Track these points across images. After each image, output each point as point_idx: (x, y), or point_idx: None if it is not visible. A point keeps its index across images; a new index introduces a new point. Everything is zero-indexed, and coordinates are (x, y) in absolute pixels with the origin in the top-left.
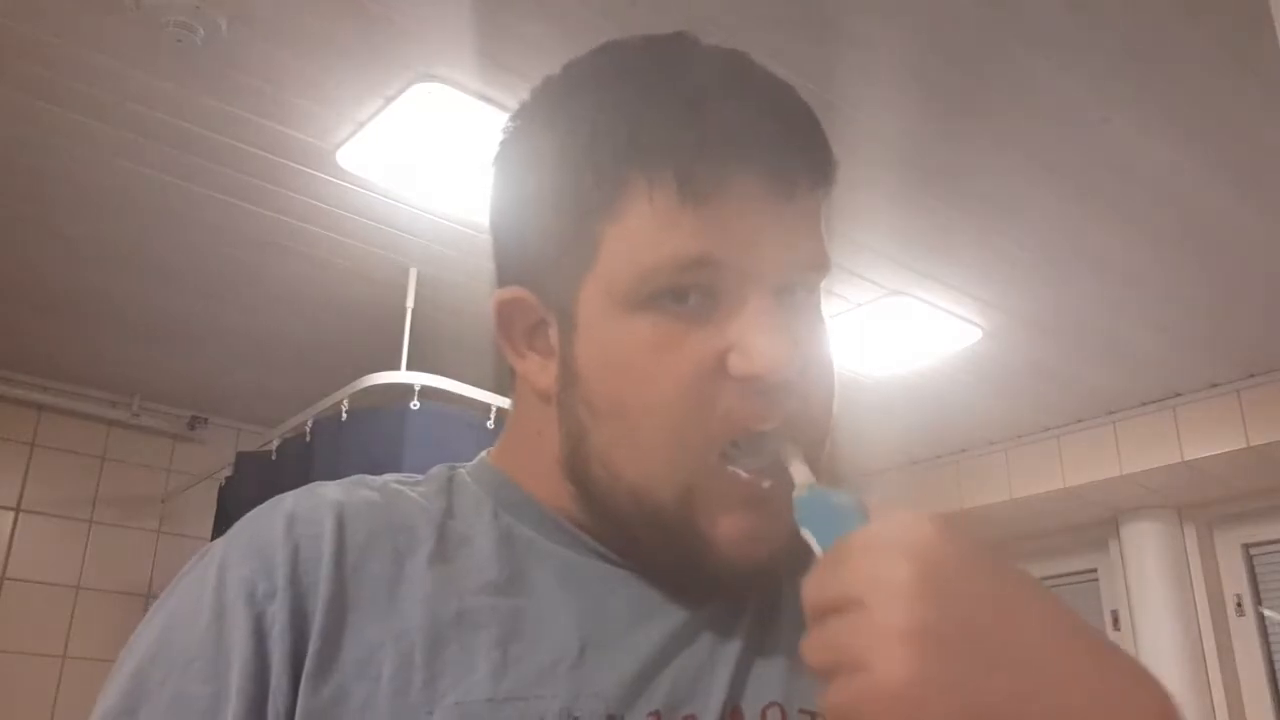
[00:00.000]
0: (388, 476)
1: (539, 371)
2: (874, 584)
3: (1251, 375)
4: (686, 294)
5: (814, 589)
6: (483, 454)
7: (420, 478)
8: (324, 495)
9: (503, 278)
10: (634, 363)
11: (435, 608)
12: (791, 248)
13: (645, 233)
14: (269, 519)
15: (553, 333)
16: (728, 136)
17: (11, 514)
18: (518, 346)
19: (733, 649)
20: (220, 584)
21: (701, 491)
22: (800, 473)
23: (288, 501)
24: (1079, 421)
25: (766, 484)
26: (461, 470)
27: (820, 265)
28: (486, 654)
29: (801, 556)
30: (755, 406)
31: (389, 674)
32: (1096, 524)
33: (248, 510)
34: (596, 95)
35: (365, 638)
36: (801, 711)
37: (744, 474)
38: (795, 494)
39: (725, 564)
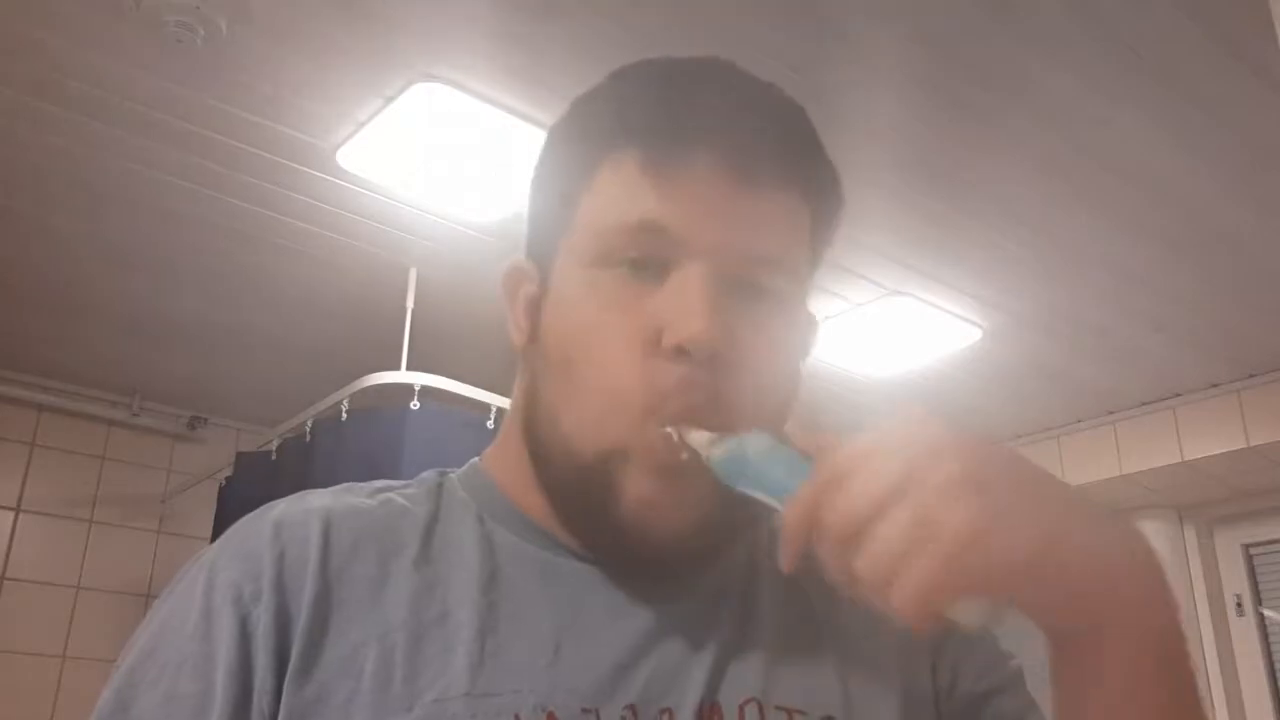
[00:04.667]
0: (377, 483)
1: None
2: (910, 463)
3: (1251, 375)
4: (644, 263)
5: (839, 513)
6: (474, 459)
7: (408, 483)
8: (312, 502)
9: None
10: (584, 317)
11: (418, 608)
12: (744, 234)
13: (609, 198)
14: (257, 525)
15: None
16: (696, 118)
17: (11, 514)
18: (518, 316)
19: (710, 645)
20: (209, 587)
21: (624, 452)
22: (699, 439)
23: (277, 508)
24: (1079, 421)
25: (684, 455)
26: (451, 476)
27: (779, 262)
28: (465, 651)
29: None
30: (678, 376)
31: (371, 671)
32: None
33: (248, 510)
34: (600, 90)
35: (349, 637)
36: (778, 708)
37: (675, 435)
38: (713, 457)
39: (627, 529)
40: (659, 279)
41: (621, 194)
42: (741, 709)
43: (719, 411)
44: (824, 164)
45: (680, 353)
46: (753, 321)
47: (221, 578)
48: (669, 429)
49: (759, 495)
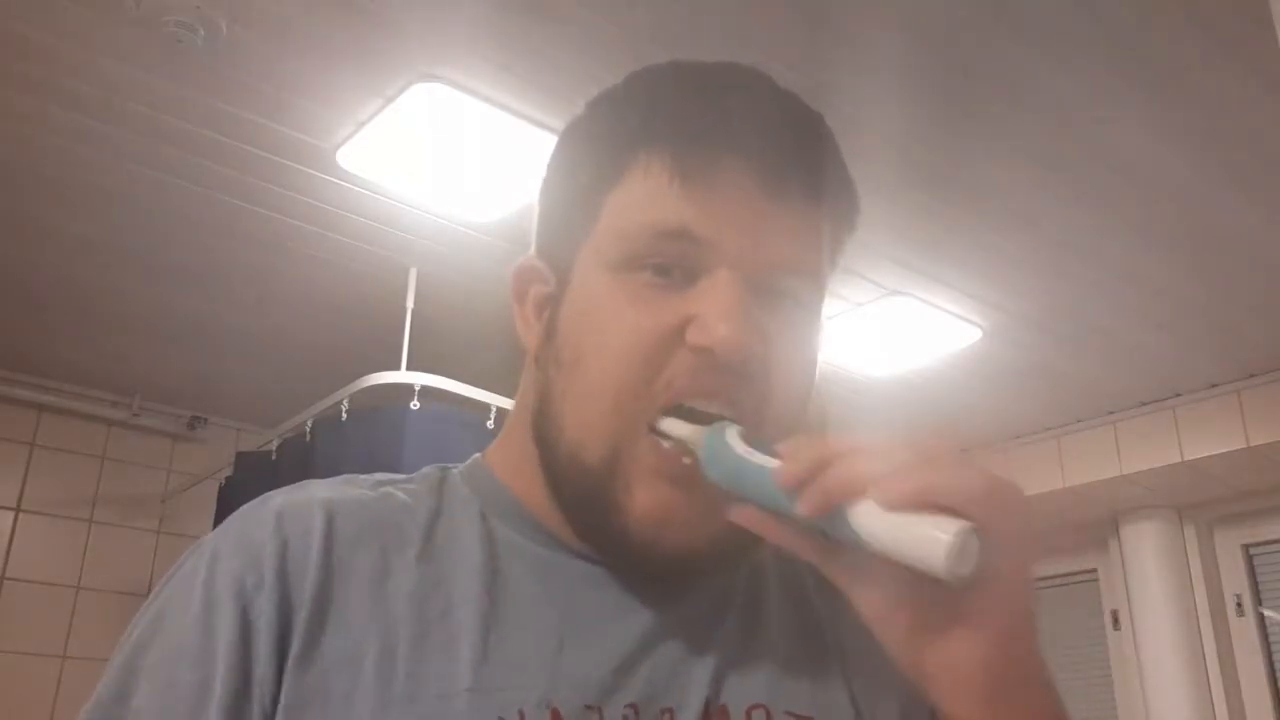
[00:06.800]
0: (378, 476)
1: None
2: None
3: (1251, 375)
4: (670, 269)
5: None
6: (476, 455)
7: (410, 477)
8: (313, 492)
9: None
10: (602, 315)
11: (420, 603)
12: (772, 245)
13: (636, 202)
14: (259, 514)
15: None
16: (727, 126)
17: (11, 514)
18: (526, 314)
19: (713, 648)
20: (210, 577)
21: (626, 457)
22: (672, 426)
23: (278, 498)
24: (1079, 421)
25: (687, 460)
26: (454, 471)
27: (803, 272)
28: (469, 647)
29: (787, 556)
30: (700, 382)
31: (372, 665)
32: (1096, 524)
33: None
34: (623, 91)
35: (350, 629)
36: (787, 714)
37: (665, 442)
38: (704, 446)
39: (639, 541)
40: (685, 285)
41: (651, 198)
42: (749, 713)
43: (731, 408)
44: (843, 173)
45: (703, 351)
46: (782, 341)
47: (223, 567)
48: (653, 433)
49: (740, 481)
